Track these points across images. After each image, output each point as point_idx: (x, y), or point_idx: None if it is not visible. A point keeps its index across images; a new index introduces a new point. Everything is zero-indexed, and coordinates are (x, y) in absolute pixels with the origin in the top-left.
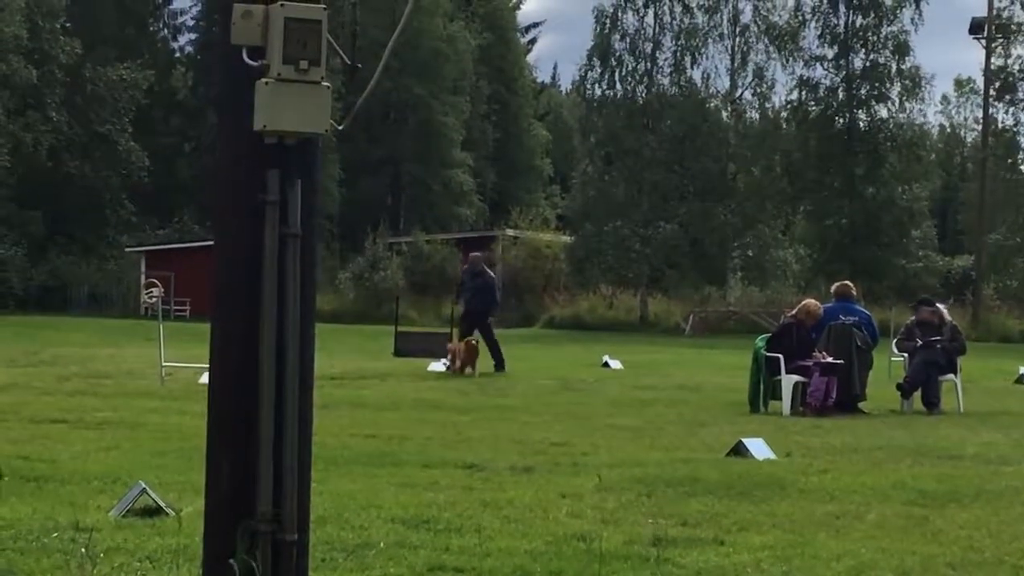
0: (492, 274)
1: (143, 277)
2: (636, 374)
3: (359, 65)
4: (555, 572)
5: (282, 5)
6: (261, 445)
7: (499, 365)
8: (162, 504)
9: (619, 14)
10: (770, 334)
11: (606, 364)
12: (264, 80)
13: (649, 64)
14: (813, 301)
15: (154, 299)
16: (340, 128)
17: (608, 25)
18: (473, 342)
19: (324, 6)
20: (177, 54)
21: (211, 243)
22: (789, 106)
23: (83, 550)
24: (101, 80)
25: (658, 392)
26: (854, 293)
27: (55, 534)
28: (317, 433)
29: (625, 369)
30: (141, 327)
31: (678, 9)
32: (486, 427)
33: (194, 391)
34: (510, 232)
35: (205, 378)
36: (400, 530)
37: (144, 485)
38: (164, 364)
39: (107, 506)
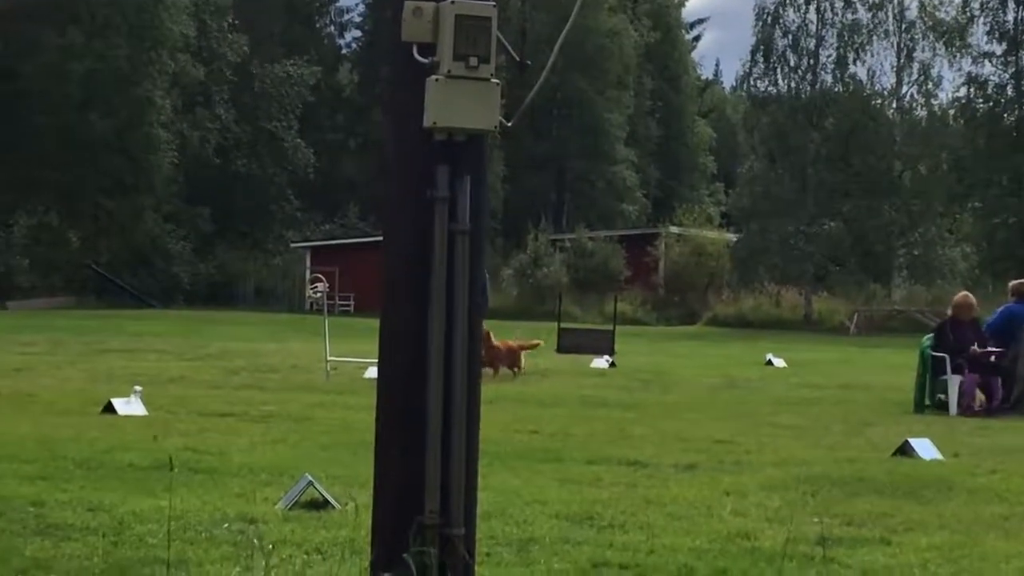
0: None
1: (308, 272)
2: (800, 373)
3: (528, 62)
4: (720, 570)
5: (453, 2)
6: (429, 441)
7: None
8: (329, 497)
9: (780, 11)
10: (933, 333)
11: (770, 362)
12: (435, 77)
13: (812, 60)
14: (962, 293)
15: (319, 294)
16: (509, 125)
17: (770, 21)
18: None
19: (494, 3)
20: (343, 51)
21: (375, 239)
22: (956, 103)
23: (255, 541)
24: (268, 77)
25: (823, 391)
26: None
27: (224, 525)
28: (481, 428)
29: (789, 367)
30: (306, 322)
31: (840, 5)
32: (649, 424)
33: (359, 386)
34: (674, 229)
35: (369, 373)
36: (564, 526)
37: (311, 478)
38: (329, 359)
39: (274, 498)
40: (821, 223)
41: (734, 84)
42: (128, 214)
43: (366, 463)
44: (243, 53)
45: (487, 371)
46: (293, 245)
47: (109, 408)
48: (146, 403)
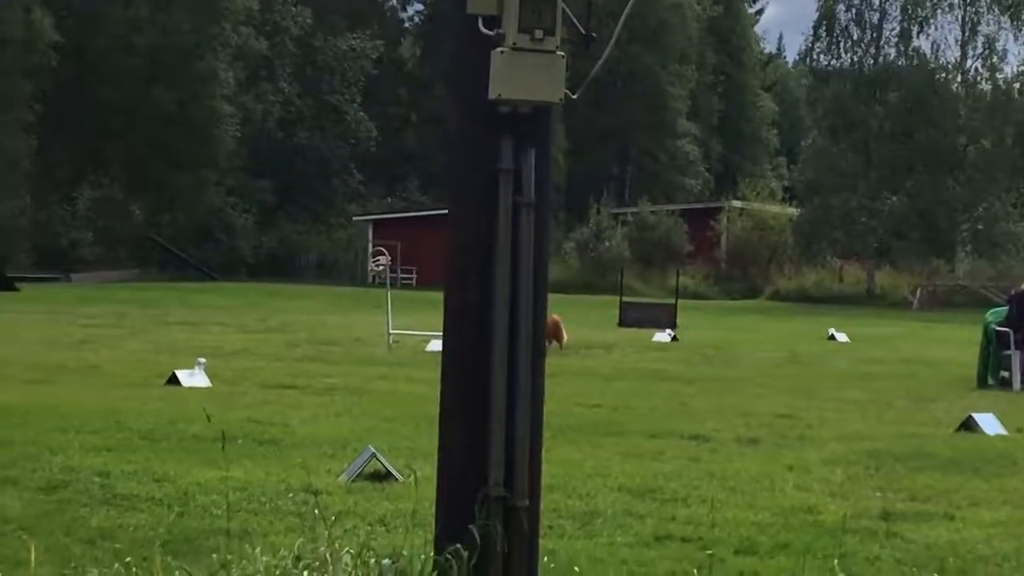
0: None
1: (370, 246)
2: (863, 347)
3: (594, 36)
4: (782, 544)
5: None
6: (493, 414)
7: None
8: (392, 469)
9: None
10: (1000, 308)
11: (832, 337)
12: (500, 49)
13: (875, 34)
14: None
15: (381, 267)
16: (575, 97)
17: None
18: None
19: None
20: (406, 24)
21: (438, 212)
22: (1021, 77)
23: (316, 512)
24: (331, 50)
25: (886, 366)
26: None
27: (289, 496)
28: (544, 402)
29: (852, 342)
30: (368, 295)
31: None
32: (711, 398)
33: (421, 358)
34: (736, 204)
35: (431, 346)
36: (626, 499)
37: (373, 450)
38: (391, 332)
39: (337, 470)
40: (884, 197)
41: (797, 58)
42: (191, 187)
43: (429, 435)
44: (306, 26)
45: None
46: (355, 218)
47: (173, 380)
48: (210, 375)
